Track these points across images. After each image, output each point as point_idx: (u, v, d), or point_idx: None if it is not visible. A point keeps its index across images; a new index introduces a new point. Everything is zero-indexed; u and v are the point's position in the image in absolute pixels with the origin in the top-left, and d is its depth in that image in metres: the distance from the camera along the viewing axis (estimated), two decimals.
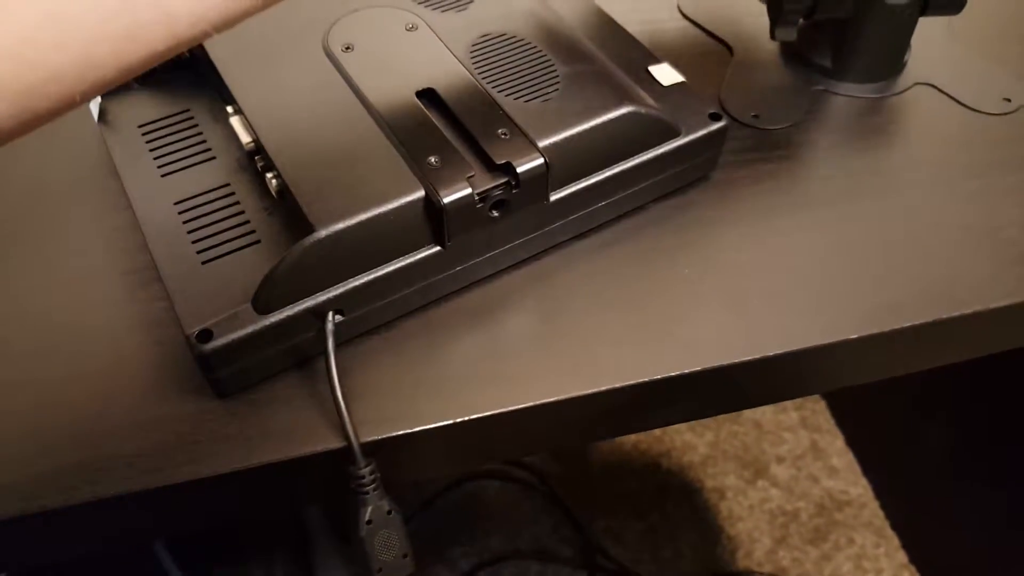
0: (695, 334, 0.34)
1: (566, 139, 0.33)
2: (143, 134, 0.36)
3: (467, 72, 0.35)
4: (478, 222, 0.32)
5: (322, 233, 0.29)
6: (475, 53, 0.36)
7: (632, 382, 0.32)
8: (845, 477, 1.27)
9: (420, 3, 0.38)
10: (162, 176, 0.35)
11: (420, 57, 0.36)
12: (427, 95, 0.35)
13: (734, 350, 0.33)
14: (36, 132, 0.22)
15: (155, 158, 0.35)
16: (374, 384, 0.32)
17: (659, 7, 0.48)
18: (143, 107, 0.38)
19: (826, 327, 0.34)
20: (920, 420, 1.11)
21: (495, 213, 0.32)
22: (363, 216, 0.30)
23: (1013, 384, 0.92)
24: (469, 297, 0.35)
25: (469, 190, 0.31)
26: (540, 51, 0.36)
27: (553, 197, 0.34)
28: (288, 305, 0.30)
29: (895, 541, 1.21)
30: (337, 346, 0.32)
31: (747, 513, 1.23)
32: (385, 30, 0.37)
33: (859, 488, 1.27)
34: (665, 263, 0.36)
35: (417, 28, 0.37)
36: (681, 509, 1.25)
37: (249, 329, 0.29)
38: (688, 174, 0.38)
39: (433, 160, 0.32)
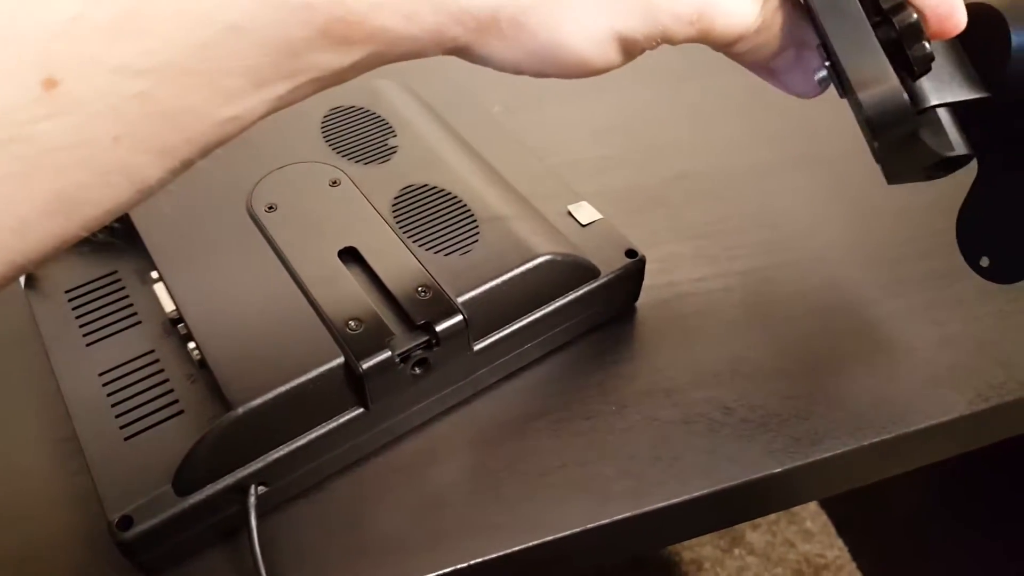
0: (626, 477, 0.34)
1: (484, 292, 0.34)
2: (69, 300, 0.37)
3: (389, 228, 0.36)
4: (401, 382, 0.33)
5: (239, 411, 0.30)
6: (397, 206, 0.37)
7: (575, 530, 0.33)
8: (820, 540, 1.27)
9: (343, 156, 0.39)
10: (87, 345, 0.35)
11: (343, 214, 0.37)
12: (350, 253, 0.35)
13: (661, 494, 0.33)
14: None
15: (80, 326, 0.36)
16: (301, 553, 0.32)
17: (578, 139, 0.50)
18: (70, 270, 0.38)
19: (752, 462, 0.34)
20: (891, 479, 1.11)
21: (417, 371, 0.33)
22: (282, 389, 0.30)
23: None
24: (398, 451, 0.35)
25: (388, 353, 0.31)
26: (460, 201, 0.37)
27: (477, 347, 0.35)
28: (209, 484, 0.30)
29: None
30: (263, 514, 0.32)
31: None
32: (308, 187, 0.38)
33: (835, 550, 1.27)
34: (595, 398, 0.37)
35: (340, 183, 0.38)
36: None
37: (170, 513, 0.29)
38: (612, 307, 0.39)
39: (353, 324, 0.32)
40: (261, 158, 0.39)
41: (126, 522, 0.29)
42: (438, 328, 0.32)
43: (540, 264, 0.35)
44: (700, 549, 1.26)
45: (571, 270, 0.36)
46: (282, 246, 0.35)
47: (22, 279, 0.37)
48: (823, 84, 0.28)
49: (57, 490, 0.34)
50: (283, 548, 0.32)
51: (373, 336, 0.32)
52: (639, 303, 0.40)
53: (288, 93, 0.22)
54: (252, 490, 0.31)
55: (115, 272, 0.38)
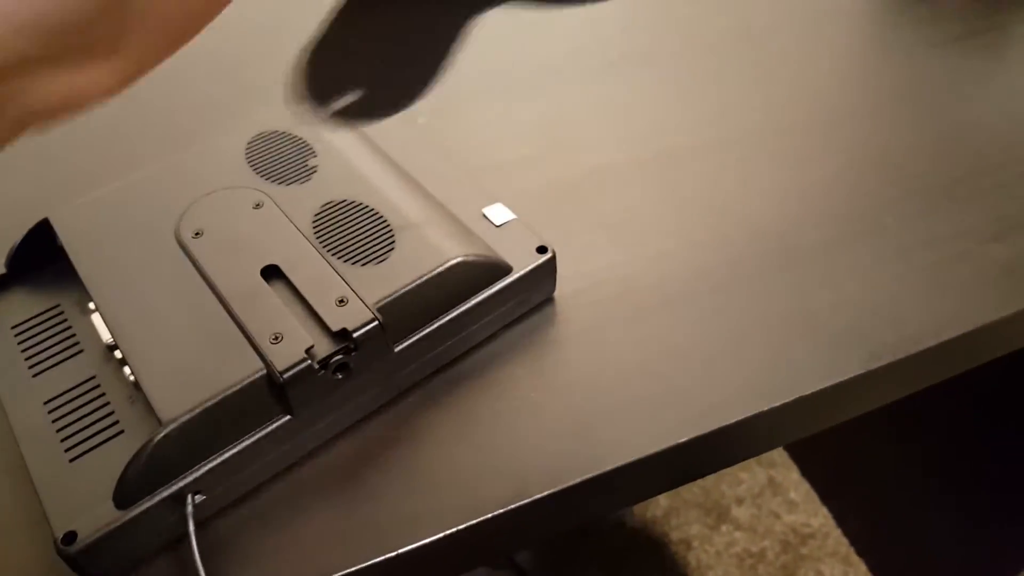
0: (545, 458, 0.36)
1: (399, 297, 0.36)
2: (16, 335, 0.39)
3: (309, 244, 0.38)
4: (323, 387, 0.35)
5: (170, 427, 0.32)
6: (317, 223, 0.39)
7: (500, 511, 0.35)
8: (805, 509, 1.29)
9: (266, 179, 0.42)
10: (33, 376, 0.37)
11: (265, 235, 0.39)
12: (272, 271, 0.38)
13: (580, 470, 0.36)
14: None
15: (27, 359, 0.38)
16: (243, 555, 0.34)
17: (500, 141, 0.52)
18: (15, 306, 0.40)
19: (661, 436, 0.37)
20: (870, 441, 1.14)
21: (339, 376, 0.35)
22: (208, 402, 0.33)
23: (962, 398, 0.94)
24: (332, 453, 0.37)
25: (308, 361, 0.34)
26: (376, 213, 0.40)
27: (398, 348, 0.37)
28: (147, 497, 0.32)
29: (862, 567, 1.23)
30: (203, 522, 0.34)
31: (715, 560, 1.25)
32: (233, 211, 0.40)
33: (820, 518, 1.29)
34: (518, 387, 0.39)
35: (263, 205, 0.40)
36: (650, 564, 1.26)
37: (110, 525, 0.32)
38: (530, 300, 0.41)
39: (273, 336, 0.34)
40: (189, 185, 0.42)
41: (70, 537, 0.31)
42: (355, 334, 0.35)
43: (452, 266, 0.37)
44: (688, 528, 1.29)
45: (483, 269, 0.39)
46: (207, 269, 0.37)
47: None
48: None
49: (12, 515, 0.36)
50: (224, 551, 0.34)
51: (292, 346, 0.34)
52: (557, 294, 0.43)
53: None
54: (189, 499, 0.33)
55: (57, 305, 0.40)
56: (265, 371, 0.34)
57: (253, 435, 0.34)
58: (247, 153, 0.44)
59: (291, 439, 0.35)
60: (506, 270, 0.39)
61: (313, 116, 0.46)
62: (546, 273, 0.41)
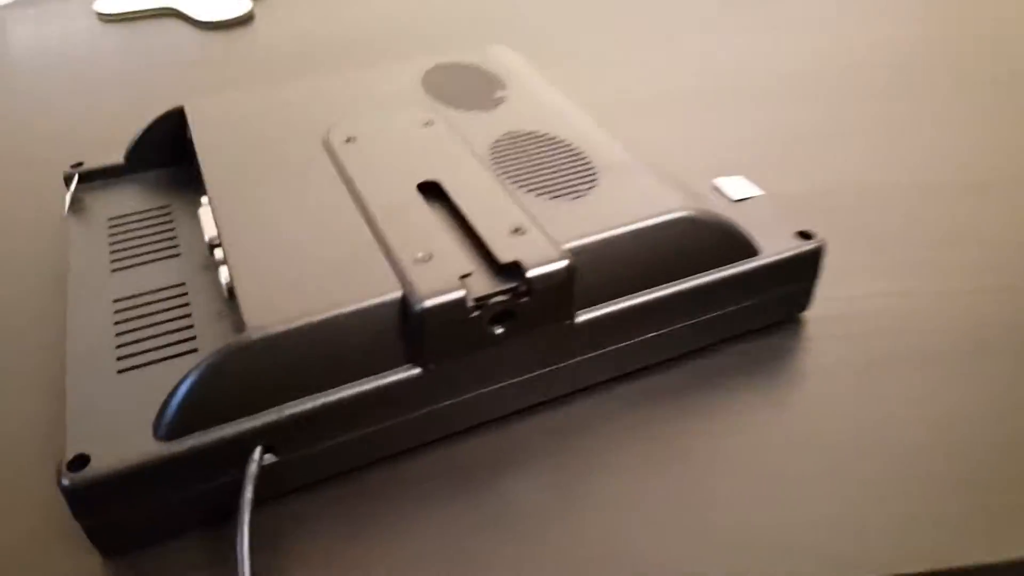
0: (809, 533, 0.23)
1: (599, 243, 0.25)
2: (110, 227, 0.31)
3: (482, 166, 0.29)
4: (473, 339, 0.24)
5: (254, 336, 0.22)
6: (496, 149, 0.30)
7: None
8: None
9: (442, 103, 0.33)
10: (112, 271, 0.29)
11: (430, 150, 0.30)
12: (432, 188, 0.28)
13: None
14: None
15: (112, 251, 0.30)
16: (308, 565, 0.23)
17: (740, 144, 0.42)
18: (123, 199, 0.33)
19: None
20: None
21: (498, 329, 0.24)
22: (313, 318, 0.23)
23: None
24: (457, 449, 0.26)
25: (462, 292, 0.23)
26: (573, 148, 0.30)
27: (580, 318, 0.26)
28: (199, 431, 0.22)
29: None
30: (261, 501, 0.24)
31: None
32: (396, 124, 0.32)
33: None
34: (750, 424, 0.26)
35: (433, 123, 0.32)
36: None
37: (139, 458, 0.21)
38: (770, 309, 0.29)
39: (421, 255, 0.24)
40: (350, 98, 0.34)
41: (80, 462, 0.21)
42: (531, 272, 0.24)
43: (677, 220, 0.26)
44: None
45: (718, 239, 0.27)
46: (353, 175, 0.29)
47: (67, 205, 0.32)
48: None
49: (37, 442, 0.27)
50: (283, 555, 0.23)
51: (443, 269, 0.24)
52: (806, 314, 0.30)
53: None
54: (255, 454, 0.23)
55: (167, 206, 0.33)
56: (400, 294, 0.23)
57: (363, 384, 0.23)
58: (425, 79, 0.36)
59: (412, 406, 0.24)
60: (749, 250, 0.28)
61: (501, 54, 0.37)
62: (806, 268, 0.29)
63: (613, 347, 0.27)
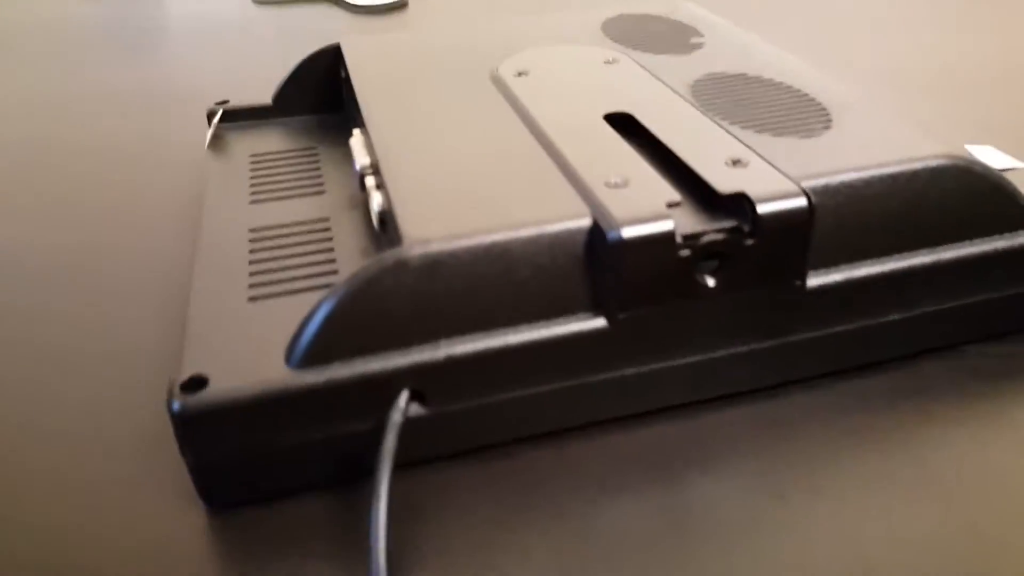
0: None
1: (844, 185, 0.20)
2: (252, 163, 0.28)
3: (682, 100, 0.24)
4: (678, 287, 0.19)
5: (413, 252, 0.18)
6: (699, 88, 0.25)
7: None
8: None
9: (628, 47, 0.29)
10: (251, 203, 0.26)
11: (617, 85, 0.25)
12: (622, 121, 0.23)
13: None
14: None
15: (252, 184, 0.27)
16: (454, 548, 0.18)
17: None
18: (267, 139, 0.30)
19: None
20: None
21: (711, 280, 0.19)
22: (482, 239, 0.18)
23: None
24: (638, 434, 0.20)
25: (670, 224, 0.18)
26: (796, 89, 0.25)
27: (814, 281, 0.20)
28: (338, 361, 0.18)
29: None
30: (399, 465, 0.19)
31: None
32: (575, 61, 0.27)
33: None
34: (1013, 448, 0.20)
35: (618, 62, 0.27)
36: None
37: (267, 386, 0.17)
38: None
39: (615, 180, 0.20)
40: (518, 43, 0.30)
41: (197, 383, 0.18)
42: (761, 207, 0.19)
43: (940, 169, 0.21)
44: None
45: (989, 199, 0.21)
46: (527, 103, 0.24)
47: (208, 139, 0.30)
48: None
49: (154, 377, 0.23)
50: (426, 529, 0.18)
51: (645, 195, 0.19)
52: None
53: None
54: (401, 400, 0.18)
55: (314, 148, 0.29)
56: (590, 221, 0.19)
57: (536, 329, 0.19)
58: (605, 25, 0.31)
59: (592, 366, 0.19)
60: None
61: (691, 8, 0.33)
62: None
63: (848, 326, 0.21)
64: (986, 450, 0.20)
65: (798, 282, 0.20)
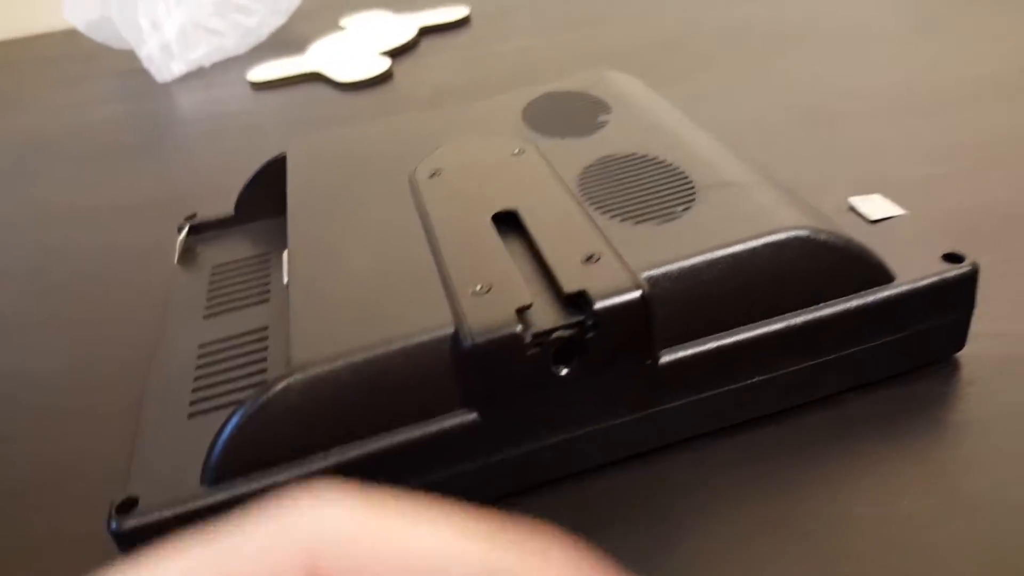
0: None
1: (685, 270, 0.22)
2: (212, 275, 0.32)
3: (565, 192, 0.26)
4: (534, 380, 0.21)
5: (294, 376, 0.21)
6: (587, 175, 0.27)
7: None
8: None
9: (539, 132, 0.31)
10: (204, 317, 0.29)
11: (515, 180, 0.28)
12: (509, 218, 0.26)
13: None
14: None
15: (208, 299, 0.30)
16: None
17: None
18: (231, 247, 0.34)
19: None
20: None
21: (563, 370, 0.21)
22: (359, 355, 0.21)
23: None
24: (530, 501, 0.23)
25: (515, 328, 0.21)
26: (672, 168, 0.27)
27: (665, 358, 0.22)
28: (241, 477, 0.21)
29: None
30: None
31: None
32: (485, 155, 0.30)
33: None
34: (882, 502, 0.21)
35: (524, 152, 0.30)
36: None
37: (182, 505, 0.21)
38: (914, 351, 0.24)
39: (480, 287, 0.22)
40: (446, 132, 0.33)
41: (128, 505, 0.21)
42: (597, 304, 0.21)
43: (782, 242, 0.22)
44: None
45: (840, 261, 0.23)
46: (430, 208, 0.27)
47: (176, 254, 0.34)
48: None
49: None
50: None
51: (500, 302, 0.21)
52: (964, 354, 0.24)
53: None
54: None
55: (267, 253, 0.33)
56: (452, 330, 0.21)
57: (414, 429, 0.21)
58: (527, 109, 0.34)
59: (471, 456, 0.22)
60: (882, 275, 0.23)
61: (617, 80, 0.35)
62: (956, 297, 0.23)
63: (711, 393, 0.23)
64: (863, 504, 0.21)
65: (649, 361, 0.22)
